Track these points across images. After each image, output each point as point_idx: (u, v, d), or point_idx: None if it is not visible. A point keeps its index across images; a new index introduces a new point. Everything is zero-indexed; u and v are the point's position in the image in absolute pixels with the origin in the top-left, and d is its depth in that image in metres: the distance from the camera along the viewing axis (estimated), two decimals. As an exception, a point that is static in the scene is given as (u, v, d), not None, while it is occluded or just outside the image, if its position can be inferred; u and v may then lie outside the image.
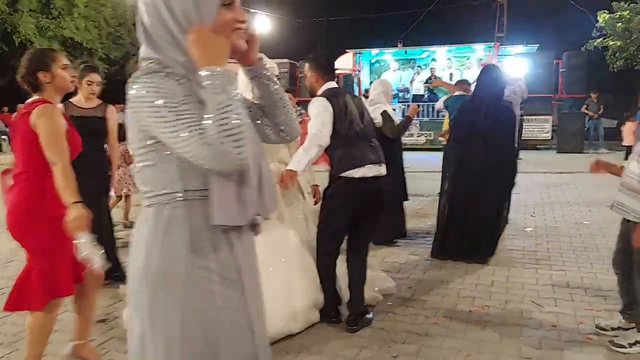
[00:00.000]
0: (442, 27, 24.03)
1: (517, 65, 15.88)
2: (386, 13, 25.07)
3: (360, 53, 19.27)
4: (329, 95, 3.58)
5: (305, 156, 3.47)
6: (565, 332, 3.47)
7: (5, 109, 18.49)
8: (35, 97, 2.80)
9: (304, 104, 18.49)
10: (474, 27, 23.62)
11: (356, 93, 18.78)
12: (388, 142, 5.00)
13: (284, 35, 26.09)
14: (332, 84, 3.69)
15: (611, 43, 16.10)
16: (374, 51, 19.45)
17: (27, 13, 17.04)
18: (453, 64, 18.89)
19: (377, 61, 20.00)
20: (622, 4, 15.65)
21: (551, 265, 4.90)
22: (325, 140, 3.49)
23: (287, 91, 8.22)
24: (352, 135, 3.58)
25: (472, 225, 4.94)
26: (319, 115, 3.52)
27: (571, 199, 8.23)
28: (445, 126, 8.80)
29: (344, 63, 19.56)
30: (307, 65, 3.72)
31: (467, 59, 18.62)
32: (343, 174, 3.52)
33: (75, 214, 2.55)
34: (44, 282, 2.69)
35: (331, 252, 3.64)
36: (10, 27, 17.31)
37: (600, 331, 3.42)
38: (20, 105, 3.11)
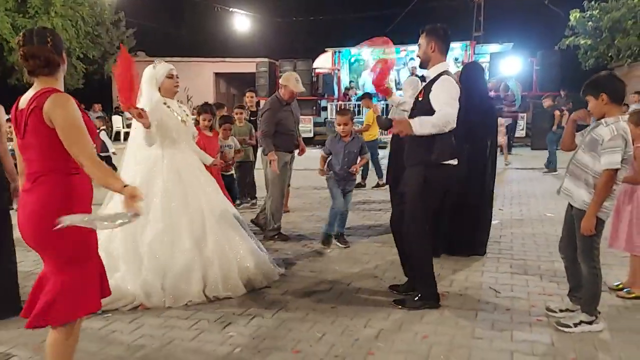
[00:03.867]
0: (421, 26, 24.28)
1: (503, 64, 16.28)
2: (366, 13, 25.30)
3: (339, 52, 19.45)
4: (453, 77, 3.63)
5: (431, 129, 3.50)
6: (518, 315, 3.67)
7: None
8: (40, 87, 2.46)
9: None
10: (452, 26, 23.87)
11: (335, 92, 19.02)
12: None
13: (263, 35, 26.16)
14: (446, 66, 3.73)
15: (582, 42, 16.49)
16: (354, 50, 19.63)
17: (2, 12, 16.87)
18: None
19: (356, 60, 20.20)
20: (592, 3, 16.04)
21: (512, 255, 5.11)
22: (453, 127, 3.51)
23: (250, 90, 8.26)
24: (456, 125, 3.64)
25: (467, 220, 5.03)
26: (454, 98, 3.56)
27: (539, 192, 8.48)
28: (367, 121, 9.11)
29: (323, 62, 19.73)
30: (423, 34, 3.73)
31: (444, 57, 18.88)
32: (446, 162, 3.67)
33: (131, 193, 2.35)
34: (68, 297, 2.44)
35: (428, 234, 3.80)
36: (-15, 26, 17.13)
37: (550, 313, 3.62)
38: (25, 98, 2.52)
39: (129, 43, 24.35)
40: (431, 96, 3.63)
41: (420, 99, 3.78)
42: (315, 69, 19.02)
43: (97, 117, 11.46)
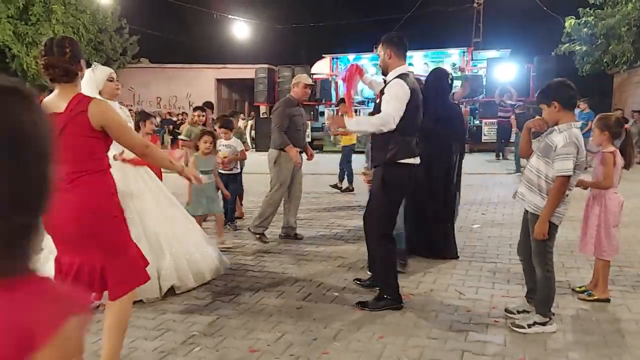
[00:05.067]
0: (421, 32, 24.38)
1: (500, 70, 16.35)
2: (366, 19, 25.44)
3: (337, 58, 19.58)
4: (407, 79, 3.75)
5: (368, 128, 3.80)
6: (477, 316, 3.72)
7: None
8: (66, 93, 2.66)
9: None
10: (452, 32, 24.02)
11: (333, 98, 19.13)
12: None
13: (263, 42, 26.35)
14: (407, 68, 3.89)
15: (577, 48, 16.53)
16: (351, 56, 19.75)
17: (5, 19, 17.12)
18: (430, 69, 19.21)
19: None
20: (587, 9, 16.08)
21: (485, 258, 5.16)
22: (392, 128, 3.67)
23: (199, 108, 7.84)
24: (415, 126, 3.83)
25: (438, 222, 5.08)
26: (399, 100, 3.69)
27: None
28: None
29: (321, 68, 19.88)
30: (380, 45, 3.91)
31: (442, 63, 18.95)
32: (401, 161, 3.78)
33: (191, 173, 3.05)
34: (125, 274, 2.74)
35: (391, 236, 3.92)
36: (-12, 33, 17.39)
37: (508, 314, 3.67)
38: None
39: (132, 50, 24.63)
40: (382, 98, 3.77)
41: (377, 101, 3.91)
42: (313, 74, 19.16)
43: None
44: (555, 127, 3.36)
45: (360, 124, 3.89)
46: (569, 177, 3.27)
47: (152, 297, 4.08)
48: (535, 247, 3.42)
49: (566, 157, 3.24)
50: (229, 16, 24.16)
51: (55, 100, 2.67)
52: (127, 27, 23.64)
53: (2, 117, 0.82)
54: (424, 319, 3.70)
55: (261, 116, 20.36)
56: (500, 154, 15.00)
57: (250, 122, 19.92)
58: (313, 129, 18.43)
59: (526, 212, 3.54)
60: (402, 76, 3.77)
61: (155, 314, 3.86)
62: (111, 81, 4.20)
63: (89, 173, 2.64)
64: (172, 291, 4.21)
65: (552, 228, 3.36)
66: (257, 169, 8.00)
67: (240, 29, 25.01)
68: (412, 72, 3.94)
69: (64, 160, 2.58)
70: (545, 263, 3.40)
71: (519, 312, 3.64)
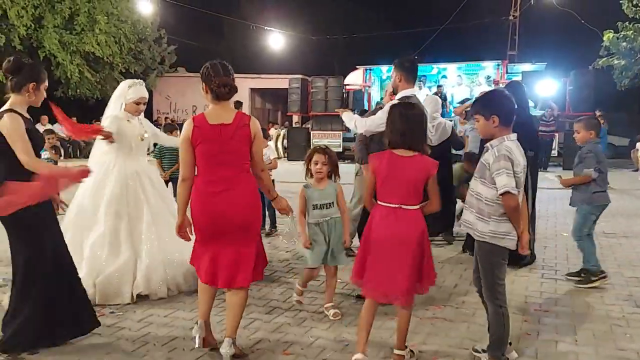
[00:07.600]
0: (455, 45, 24.38)
1: (532, 83, 16.13)
2: (399, 30, 25.53)
3: (370, 69, 19.69)
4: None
5: (349, 122, 4.68)
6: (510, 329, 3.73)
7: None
8: (228, 109, 3.22)
9: (316, 119, 18.86)
10: (486, 45, 23.93)
11: (366, 108, 19.22)
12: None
13: (297, 52, 26.69)
14: (413, 91, 4.25)
15: (616, 62, 16.25)
16: (384, 67, 19.83)
17: (51, 29, 17.87)
18: (463, 81, 19.16)
19: (388, 77, 20.38)
20: (626, 24, 15.82)
21: (517, 272, 5.15)
22: (363, 132, 4.48)
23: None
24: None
25: None
26: (382, 120, 3.89)
27: (561, 211, 8.41)
28: None
29: (354, 79, 20.03)
30: (393, 66, 4.32)
31: (476, 76, 18.85)
32: None
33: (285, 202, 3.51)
34: (261, 258, 3.35)
35: None
36: (35, 42, 18.18)
37: (474, 353, 3.30)
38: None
39: (170, 59, 25.31)
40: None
41: None
42: (346, 85, 19.32)
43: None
44: (488, 144, 3.09)
45: (349, 117, 4.69)
46: (511, 192, 2.89)
47: (126, 302, 4.16)
48: (485, 280, 3.11)
49: (498, 172, 2.94)
50: (265, 27, 24.59)
51: (220, 114, 3.18)
52: (165, 37, 24.33)
53: (420, 110, 3.25)
54: (454, 329, 3.75)
55: (294, 125, 20.61)
56: (541, 168, 14.81)
57: (282, 132, 20.13)
58: (345, 139, 18.52)
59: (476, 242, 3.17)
60: (403, 99, 4.10)
61: (192, 314, 3.99)
62: (137, 104, 4.48)
63: (244, 174, 3.22)
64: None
65: (502, 253, 3.04)
66: (289, 178, 8.15)
67: (276, 40, 25.42)
68: (415, 95, 4.26)
69: (231, 160, 3.17)
70: (496, 297, 3.08)
71: (484, 351, 3.25)
